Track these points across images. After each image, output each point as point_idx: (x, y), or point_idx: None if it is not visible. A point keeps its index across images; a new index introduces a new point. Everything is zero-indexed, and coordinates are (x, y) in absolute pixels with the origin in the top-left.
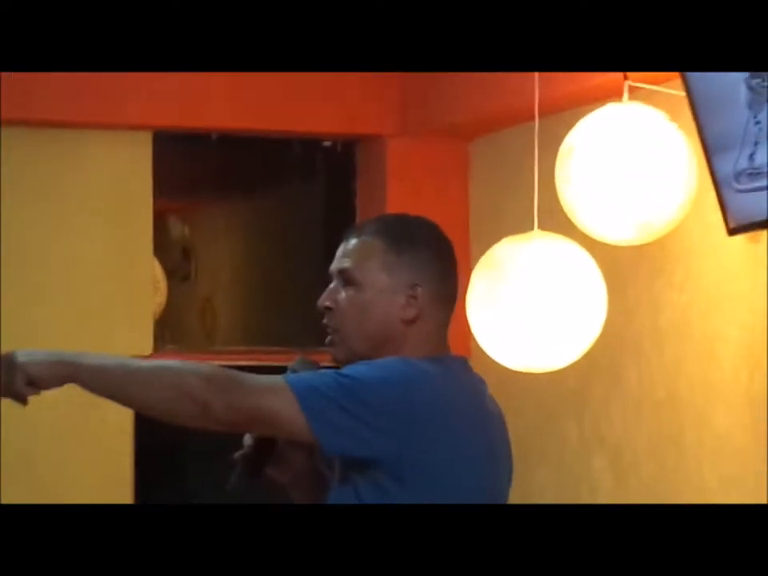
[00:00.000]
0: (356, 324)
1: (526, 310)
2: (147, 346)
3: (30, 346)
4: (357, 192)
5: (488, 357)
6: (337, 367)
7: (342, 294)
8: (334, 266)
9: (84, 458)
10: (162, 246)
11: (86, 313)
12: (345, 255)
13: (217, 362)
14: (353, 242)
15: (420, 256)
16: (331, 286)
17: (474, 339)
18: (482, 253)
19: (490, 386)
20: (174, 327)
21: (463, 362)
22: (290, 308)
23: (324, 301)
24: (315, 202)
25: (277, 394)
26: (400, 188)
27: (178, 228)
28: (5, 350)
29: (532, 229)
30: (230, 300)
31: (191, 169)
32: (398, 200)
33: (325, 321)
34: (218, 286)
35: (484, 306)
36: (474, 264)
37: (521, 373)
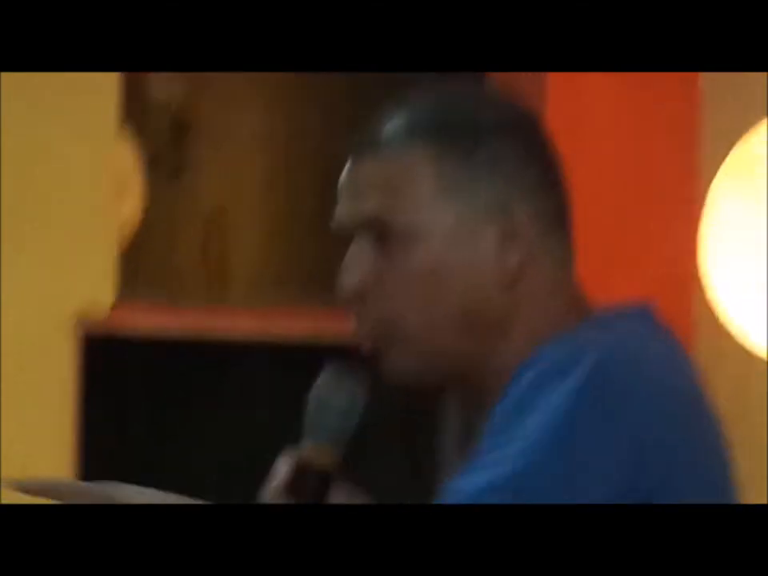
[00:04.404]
0: (424, 308)
1: None
2: (103, 291)
3: None
4: None
5: (737, 341)
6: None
7: (380, 263)
8: (347, 212)
9: None
10: (136, 113)
11: None
12: (362, 188)
13: (226, 331)
14: (372, 160)
15: (502, 154)
16: (353, 250)
17: (709, 304)
18: (723, 148)
19: (726, 395)
20: (155, 262)
21: (647, 318)
22: None
23: (351, 282)
24: None
25: None
26: None
27: (162, 84)
28: None
29: None
30: (255, 217)
31: None
32: None
33: (359, 317)
34: (236, 192)
35: (736, 250)
36: (708, 170)
37: None
